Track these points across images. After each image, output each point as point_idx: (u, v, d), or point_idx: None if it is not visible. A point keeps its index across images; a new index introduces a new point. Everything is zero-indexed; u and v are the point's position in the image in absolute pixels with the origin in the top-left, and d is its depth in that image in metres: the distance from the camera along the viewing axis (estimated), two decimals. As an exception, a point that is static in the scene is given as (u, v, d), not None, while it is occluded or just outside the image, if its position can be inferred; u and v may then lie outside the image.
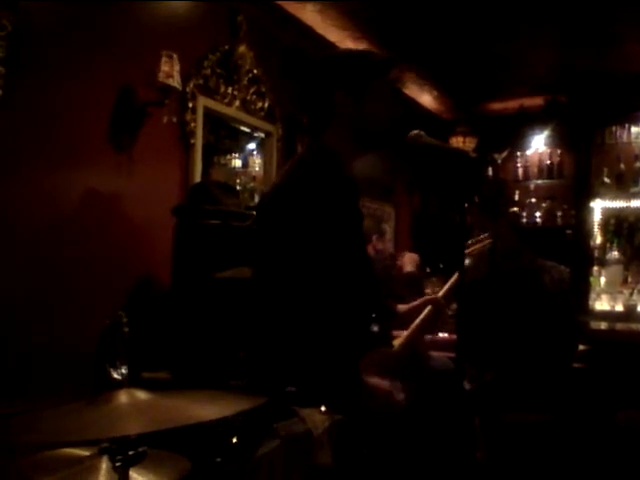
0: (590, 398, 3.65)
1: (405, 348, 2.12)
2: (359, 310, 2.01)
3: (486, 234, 2.40)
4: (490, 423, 3.19)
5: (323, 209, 1.92)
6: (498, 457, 3.12)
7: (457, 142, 6.26)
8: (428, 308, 2.23)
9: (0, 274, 2.62)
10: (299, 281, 1.86)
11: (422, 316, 2.21)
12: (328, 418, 1.77)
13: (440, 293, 2.30)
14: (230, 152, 5.34)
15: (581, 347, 3.84)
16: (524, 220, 6.39)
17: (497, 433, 3.18)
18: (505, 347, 3.39)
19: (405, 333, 2.17)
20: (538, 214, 6.42)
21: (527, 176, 6.60)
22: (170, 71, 3.22)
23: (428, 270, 5.75)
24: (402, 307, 2.31)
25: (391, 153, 2.19)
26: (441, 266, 5.83)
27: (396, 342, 2.15)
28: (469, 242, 2.41)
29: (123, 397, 1.38)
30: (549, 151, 6.47)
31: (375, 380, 1.85)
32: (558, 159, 6.43)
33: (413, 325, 2.19)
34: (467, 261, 2.37)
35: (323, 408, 1.78)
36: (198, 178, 3.72)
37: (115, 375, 1.41)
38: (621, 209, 6.03)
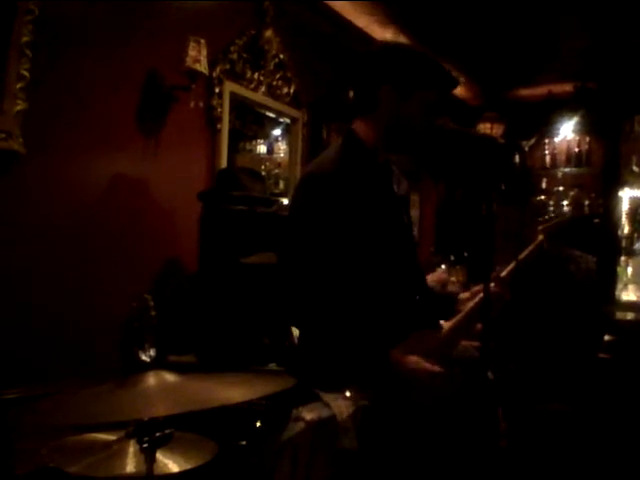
0: (615, 389, 3.61)
1: (453, 334, 2.05)
2: (393, 293, 1.99)
3: (564, 210, 2.31)
4: (515, 413, 3.17)
5: (353, 195, 1.92)
6: (522, 447, 3.11)
7: (484, 128, 6.20)
8: (480, 295, 2.05)
9: (29, 258, 2.66)
10: (327, 266, 1.87)
11: (473, 303, 2.08)
12: (353, 403, 1.77)
13: (503, 273, 2.15)
14: (255, 138, 5.34)
15: (607, 337, 3.80)
16: (551, 209, 6.32)
17: (522, 423, 3.16)
18: (530, 336, 3.36)
19: (455, 318, 2.08)
20: (565, 203, 6.33)
21: (555, 164, 6.51)
22: (197, 56, 3.22)
23: (452, 259, 5.72)
24: (464, 294, 2.22)
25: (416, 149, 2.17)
26: (465, 255, 5.80)
27: (445, 325, 2.07)
28: (544, 218, 2.31)
29: (151, 379, 1.39)
30: (577, 139, 6.38)
31: (411, 358, 1.83)
32: (586, 147, 6.34)
33: (464, 311, 2.08)
34: (541, 237, 2.28)
35: (348, 393, 1.78)
36: (224, 164, 3.73)
37: (143, 357, 1.42)
38: (650, 199, 5.94)
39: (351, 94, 2.11)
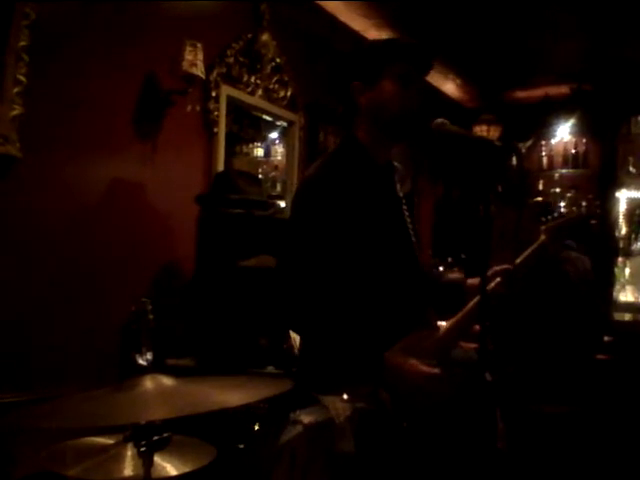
0: (613, 390, 3.62)
1: (451, 334, 2.02)
2: (392, 296, 1.98)
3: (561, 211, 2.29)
4: (513, 414, 3.18)
5: (349, 200, 1.92)
6: (521, 448, 3.11)
7: (481, 131, 6.21)
8: (478, 296, 1.98)
9: (26, 262, 2.66)
10: (324, 270, 1.86)
11: (472, 303, 2.01)
12: (350, 406, 1.77)
13: (517, 261, 2.09)
14: (252, 141, 5.34)
15: (605, 338, 3.81)
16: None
17: (520, 424, 3.17)
18: (528, 338, 3.37)
19: (453, 319, 2.03)
20: (562, 204, 6.34)
21: (552, 165, 6.52)
22: (194, 60, 3.23)
23: (450, 260, 5.73)
24: (473, 280, 2.17)
25: (414, 141, 2.16)
26: (463, 256, 5.81)
27: (443, 326, 2.04)
28: (548, 218, 2.25)
29: (148, 383, 1.39)
30: (574, 140, 6.39)
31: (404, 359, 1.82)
32: (583, 148, 6.35)
33: (462, 311, 2.03)
34: (543, 236, 2.26)
35: (345, 396, 1.78)
36: (221, 167, 3.73)
37: (140, 361, 1.42)
38: (647, 200, 5.95)
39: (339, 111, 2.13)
